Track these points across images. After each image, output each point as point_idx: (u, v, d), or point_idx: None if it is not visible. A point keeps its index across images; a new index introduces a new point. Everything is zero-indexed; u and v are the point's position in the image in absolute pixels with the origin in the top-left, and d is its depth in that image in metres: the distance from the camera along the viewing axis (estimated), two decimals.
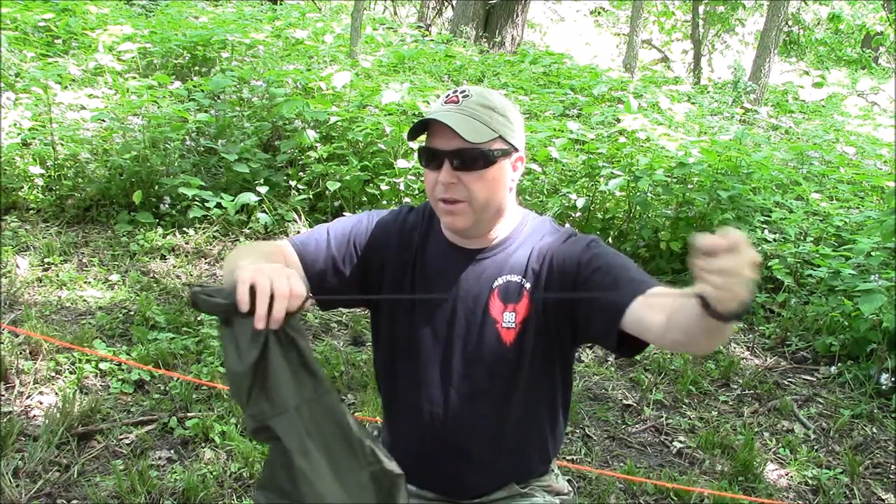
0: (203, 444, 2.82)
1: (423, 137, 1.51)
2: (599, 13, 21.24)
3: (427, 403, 1.55)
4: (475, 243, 1.56)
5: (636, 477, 2.88)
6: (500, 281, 1.53)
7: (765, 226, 5.07)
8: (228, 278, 1.31)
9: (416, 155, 1.67)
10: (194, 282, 4.24)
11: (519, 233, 1.57)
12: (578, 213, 5.27)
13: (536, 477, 1.66)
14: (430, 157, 1.47)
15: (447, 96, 1.48)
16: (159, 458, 2.74)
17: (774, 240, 4.94)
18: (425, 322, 1.55)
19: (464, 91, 1.47)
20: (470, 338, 1.53)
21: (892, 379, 3.65)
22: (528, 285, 1.52)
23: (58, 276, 4.08)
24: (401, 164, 5.18)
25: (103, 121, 5.26)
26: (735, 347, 4.17)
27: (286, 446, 1.22)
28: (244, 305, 1.16)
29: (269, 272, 1.19)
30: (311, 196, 5.20)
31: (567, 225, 1.63)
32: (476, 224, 1.50)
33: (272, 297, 1.16)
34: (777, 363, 4.03)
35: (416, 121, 1.48)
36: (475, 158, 1.44)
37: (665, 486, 2.83)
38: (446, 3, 14.28)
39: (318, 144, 5.31)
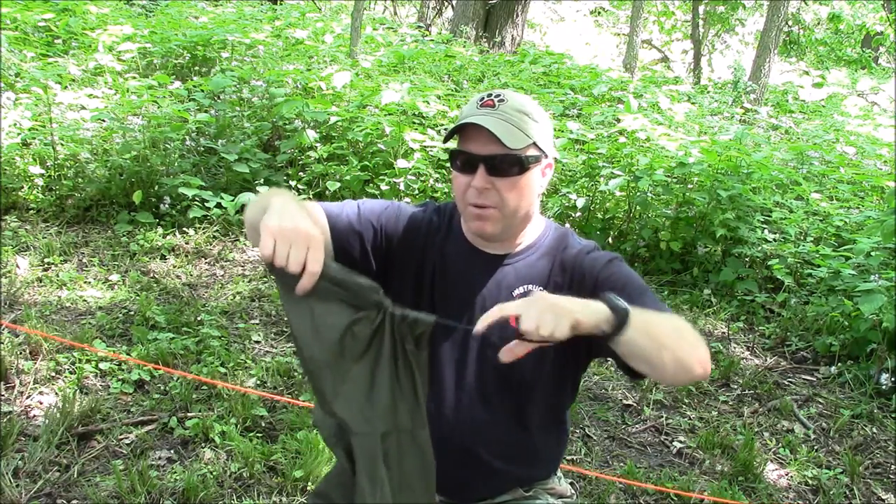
0: (203, 444, 2.82)
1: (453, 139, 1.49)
2: (599, 13, 21.24)
3: (439, 405, 1.53)
4: (498, 248, 1.55)
5: (636, 479, 2.88)
6: (521, 289, 1.52)
7: (765, 226, 5.07)
8: (256, 217, 1.29)
9: (448, 158, 1.64)
10: (194, 281, 4.24)
11: (542, 242, 1.56)
12: (578, 213, 5.27)
13: (540, 480, 1.66)
14: (465, 161, 1.45)
15: (482, 99, 1.46)
16: (159, 458, 2.74)
17: (774, 240, 4.94)
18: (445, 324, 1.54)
19: (499, 95, 1.45)
20: (485, 344, 1.52)
21: (892, 379, 3.65)
22: None
23: (58, 276, 4.08)
24: (401, 164, 5.18)
25: (103, 121, 5.25)
26: (735, 347, 4.17)
27: (356, 464, 1.23)
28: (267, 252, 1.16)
29: (292, 236, 1.17)
30: (311, 196, 5.20)
31: (567, 225, 1.62)
32: (504, 230, 1.49)
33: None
34: (777, 363, 4.03)
35: (454, 124, 1.45)
36: (511, 165, 1.43)
37: (665, 490, 2.82)
38: (446, 3, 14.28)
39: (318, 144, 5.32)
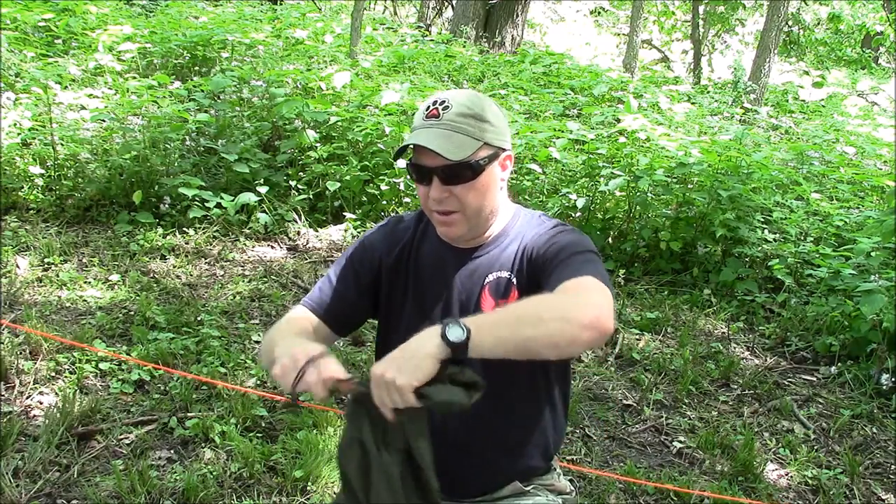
0: (203, 444, 2.82)
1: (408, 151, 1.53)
2: (599, 13, 21.23)
3: None
4: (470, 242, 1.59)
5: (636, 478, 2.88)
6: (490, 277, 1.56)
7: (765, 226, 5.07)
8: (267, 361, 1.44)
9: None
10: (194, 281, 4.24)
11: (511, 228, 1.59)
12: (578, 213, 5.27)
13: (539, 475, 1.66)
14: (419, 174, 1.49)
15: (427, 109, 1.48)
16: (159, 458, 2.74)
17: (774, 240, 4.94)
18: (422, 320, 1.56)
19: (443, 102, 1.47)
20: None
21: (892, 379, 3.65)
22: (515, 281, 1.54)
23: (58, 276, 4.08)
24: (401, 163, 5.18)
25: (103, 121, 5.26)
26: (735, 347, 4.17)
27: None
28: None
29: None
30: (311, 196, 5.20)
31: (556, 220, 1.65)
32: (471, 228, 1.54)
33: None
34: (777, 363, 4.03)
35: (401, 145, 1.49)
36: (463, 172, 1.46)
37: (665, 488, 2.82)
38: (446, 3, 14.28)
39: (317, 144, 5.31)
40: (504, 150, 1.52)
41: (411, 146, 1.48)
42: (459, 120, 1.45)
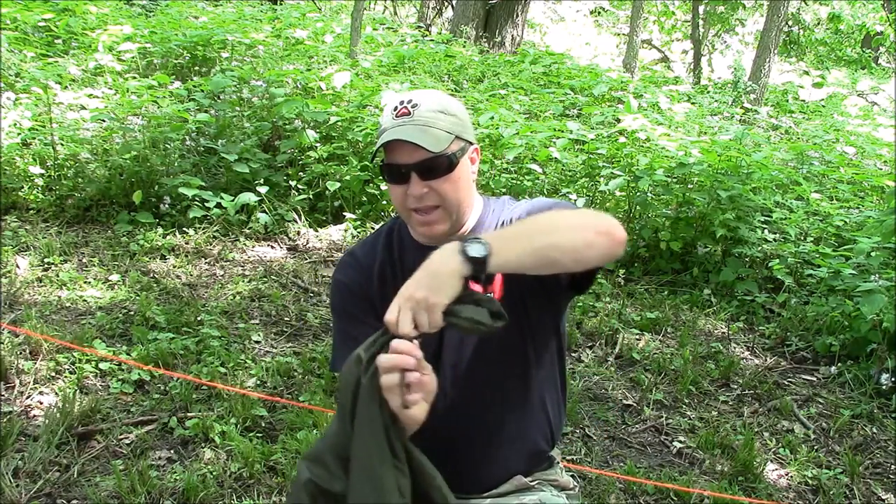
0: (203, 444, 2.83)
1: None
2: (599, 13, 21.23)
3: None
4: (449, 240, 1.58)
5: (636, 477, 2.88)
6: None
7: (765, 226, 5.07)
8: None
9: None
10: (194, 281, 4.24)
11: (486, 217, 1.61)
12: None
13: (543, 470, 1.66)
14: (396, 174, 1.49)
15: (396, 109, 1.49)
16: (159, 458, 2.74)
17: (774, 240, 4.94)
18: None
19: (411, 101, 1.49)
20: (450, 328, 1.54)
21: (892, 379, 3.65)
22: None
23: (58, 276, 4.08)
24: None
25: (103, 121, 5.26)
26: (735, 347, 4.17)
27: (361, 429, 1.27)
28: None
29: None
30: (311, 196, 5.20)
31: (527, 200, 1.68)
32: (452, 225, 1.54)
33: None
34: (777, 363, 4.03)
35: (377, 143, 1.49)
36: (441, 165, 1.47)
37: (665, 487, 2.83)
38: (446, 3, 14.28)
39: (318, 144, 5.32)
40: (472, 143, 1.55)
41: (382, 149, 1.48)
42: (431, 115, 1.47)
